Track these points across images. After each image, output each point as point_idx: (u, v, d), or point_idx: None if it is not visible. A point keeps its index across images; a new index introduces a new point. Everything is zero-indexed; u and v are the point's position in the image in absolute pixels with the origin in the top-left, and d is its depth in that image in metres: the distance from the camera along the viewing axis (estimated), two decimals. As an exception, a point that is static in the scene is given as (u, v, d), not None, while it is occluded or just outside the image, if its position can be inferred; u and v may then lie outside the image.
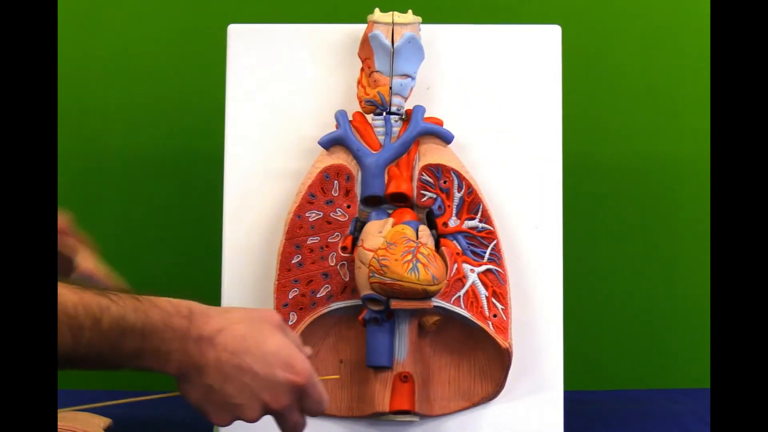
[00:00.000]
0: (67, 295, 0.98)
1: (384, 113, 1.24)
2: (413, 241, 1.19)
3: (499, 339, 1.22)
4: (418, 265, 1.16)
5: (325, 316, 1.22)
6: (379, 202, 1.24)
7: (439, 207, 1.23)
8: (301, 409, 1.06)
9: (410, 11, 1.24)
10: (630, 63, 1.65)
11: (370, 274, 1.18)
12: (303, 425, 1.08)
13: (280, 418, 1.06)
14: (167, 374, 1.05)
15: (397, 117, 1.24)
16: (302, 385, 1.04)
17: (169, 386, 1.10)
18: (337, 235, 1.23)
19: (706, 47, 1.62)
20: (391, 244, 1.18)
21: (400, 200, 1.23)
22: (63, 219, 1.21)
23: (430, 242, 1.22)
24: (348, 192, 1.23)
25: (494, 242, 1.23)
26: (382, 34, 1.23)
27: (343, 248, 1.23)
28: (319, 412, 1.07)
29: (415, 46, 1.24)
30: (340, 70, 1.27)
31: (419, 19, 1.24)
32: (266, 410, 1.05)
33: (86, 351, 1.00)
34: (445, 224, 1.23)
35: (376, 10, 1.24)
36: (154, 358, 1.03)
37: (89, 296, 1.00)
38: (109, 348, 1.01)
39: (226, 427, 1.05)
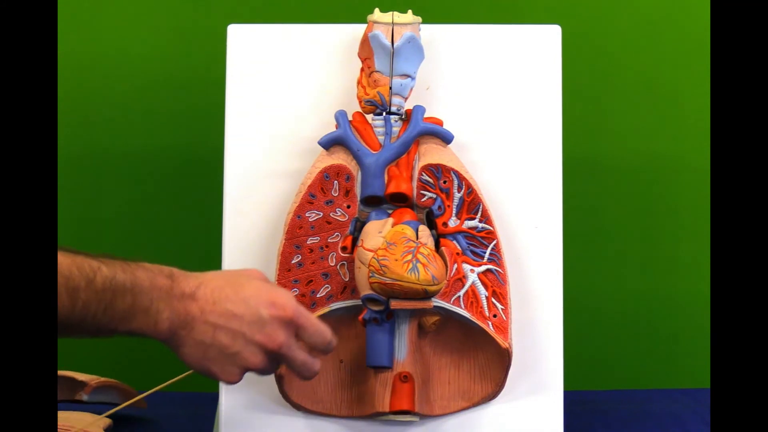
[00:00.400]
0: (61, 258, 1.00)
1: (384, 113, 1.24)
2: (413, 241, 1.19)
3: (499, 339, 1.22)
4: (418, 265, 1.16)
5: (325, 316, 1.22)
6: (379, 202, 1.24)
7: (439, 207, 1.23)
8: (308, 347, 1.09)
9: (410, 11, 1.24)
10: (630, 63, 1.65)
11: (370, 274, 1.18)
12: (313, 363, 1.10)
13: (286, 359, 1.08)
14: (160, 339, 1.07)
15: (397, 117, 1.24)
16: (290, 317, 1.07)
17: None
18: (337, 235, 1.23)
19: (706, 47, 1.62)
20: (391, 244, 1.18)
21: (400, 200, 1.23)
22: None
23: (430, 242, 1.22)
24: (348, 192, 1.23)
25: (494, 242, 1.23)
26: (382, 34, 1.23)
27: (343, 248, 1.23)
28: (326, 345, 1.10)
29: (415, 46, 1.24)
30: (340, 70, 1.27)
31: (419, 19, 1.24)
32: (267, 353, 1.07)
33: (82, 313, 1.02)
34: (445, 224, 1.23)
35: (376, 10, 1.24)
36: (144, 318, 1.05)
37: (81, 259, 1.03)
38: (103, 309, 1.03)
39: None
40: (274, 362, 1.08)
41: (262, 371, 1.09)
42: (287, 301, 1.08)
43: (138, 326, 1.05)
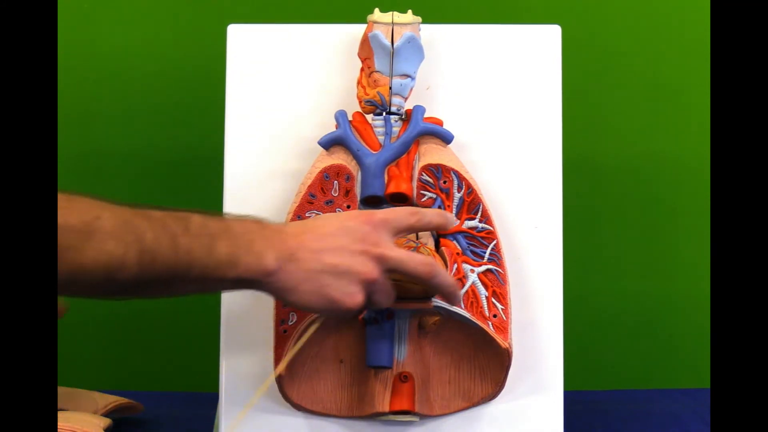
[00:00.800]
0: (152, 210, 1.02)
1: (384, 113, 1.24)
2: (413, 240, 1.19)
3: (499, 339, 1.22)
4: None
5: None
6: (379, 202, 1.24)
7: (439, 207, 1.23)
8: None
9: (410, 11, 1.24)
10: (630, 63, 1.65)
11: None
12: (417, 256, 1.10)
13: (391, 260, 1.07)
14: (268, 280, 1.05)
15: (396, 117, 1.24)
16: (376, 219, 1.09)
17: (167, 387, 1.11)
18: (337, 235, 1.23)
19: (707, 47, 1.62)
20: None
21: (400, 200, 1.23)
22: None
23: (430, 242, 1.22)
24: (348, 192, 1.23)
25: (494, 242, 1.23)
26: (382, 34, 1.23)
27: (343, 248, 1.23)
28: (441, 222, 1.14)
29: (414, 46, 1.24)
30: (340, 70, 1.27)
31: (419, 19, 1.24)
32: (373, 259, 1.07)
33: (186, 260, 1.01)
34: (445, 224, 1.23)
35: (376, 10, 1.24)
36: (249, 259, 1.04)
37: (169, 211, 1.04)
38: (207, 253, 1.02)
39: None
40: (383, 270, 1.07)
41: (378, 286, 1.07)
42: (364, 210, 1.12)
43: (245, 268, 1.04)
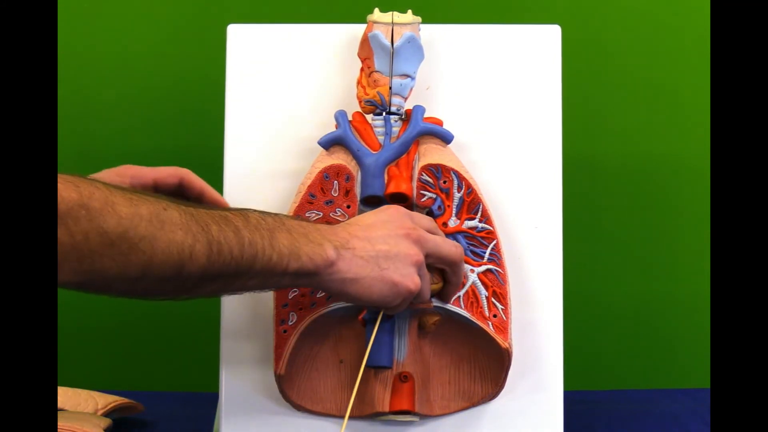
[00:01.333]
0: (208, 210, 1.03)
1: (384, 113, 1.24)
2: None
3: (499, 339, 1.22)
4: None
5: (325, 316, 1.22)
6: (379, 202, 1.24)
7: (439, 207, 1.23)
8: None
9: (410, 11, 1.24)
10: (630, 63, 1.65)
11: None
12: (451, 242, 1.15)
13: (430, 242, 1.12)
14: (330, 270, 1.07)
15: (396, 117, 1.24)
16: (405, 209, 1.15)
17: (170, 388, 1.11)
18: (337, 235, 1.23)
19: (707, 47, 1.62)
20: None
21: (400, 200, 1.23)
22: (184, 170, 1.24)
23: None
24: (348, 192, 1.23)
25: (494, 242, 1.23)
26: (382, 34, 1.23)
27: (343, 248, 1.23)
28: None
29: (414, 46, 1.24)
30: (340, 70, 1.27)
31: (419, 19, 1.24)
32: (416, 242, 1.11)
33: (251, 252, 1.03)
34: (445, 224, 1.23)
35: (376, 10, 1.24)
36: (310, 248, 1.06)
37: (227, 209, 1.06)
38: (268, 245, 1.04)
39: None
40: (425, 253, 1.11)
41: (424, 270, 1.11)
42: (394, 204, 1.16)
43: (307, 259, 1.05)
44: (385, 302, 1.10)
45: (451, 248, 1.15)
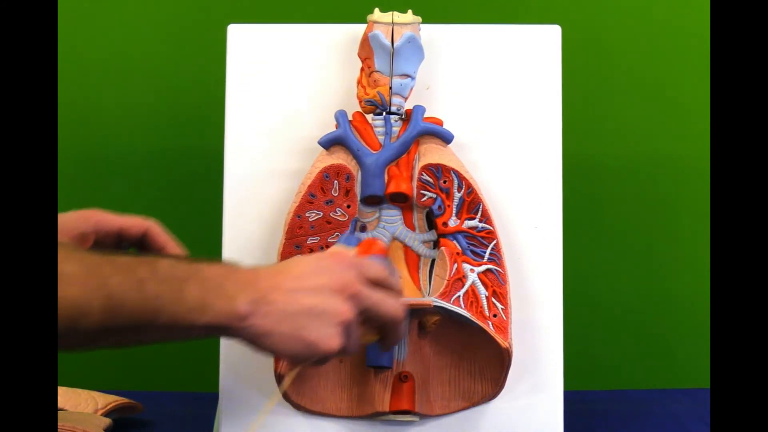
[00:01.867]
0: (118, 255, 0.98)
1: (384, 113, 1.24)
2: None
3: (499, 339, 1.22)
4: None
5: (325, 316, 1.22)
6: (379, 202, 1.24)
7: (439, 207, 1.23)
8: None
9: (410, 11, 1.24)
10: (630, 63, 1.65)
11: None
12: (396, 301, 1.04)
13: (366, 301, 1.01)
14: (241, 326, 0.98)
15: (396, 117, 1.24)
16: (351, 256, 1.04)
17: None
18: (337, 235, 1.23)
19: (707, 47, 1.62)
20: None
21: (400, 200, 1.23)
22: (150, 222, 1.18)
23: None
24: (348, 192, 1.23)
25: (494, 242, 1.23)
26: (382, 34, 1.23)
27: (343, 248, 1.23)
28: (388, 278, 1.04)
29: (414, 46, 1.24)
30: (340, 70, 1.27)
31: (419, 19, 1.24)
32: (350, 299, 1.00)
33: (155, 305, 0.96)
34: (445, 224, 1.23)
35: (376, 10, 1.24)
36: (221, 303, 0.98)
37: (136, 256, 1.00)
38: (176, 299, 0.97)
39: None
40: (358, 311, 1.01)
41: (353, 328, 1.01)
42: (341, 247, 1.07)
43: (216, 314, 0.98)
44: (300, 359, 1.01)
45: (391, 307, 1.03)
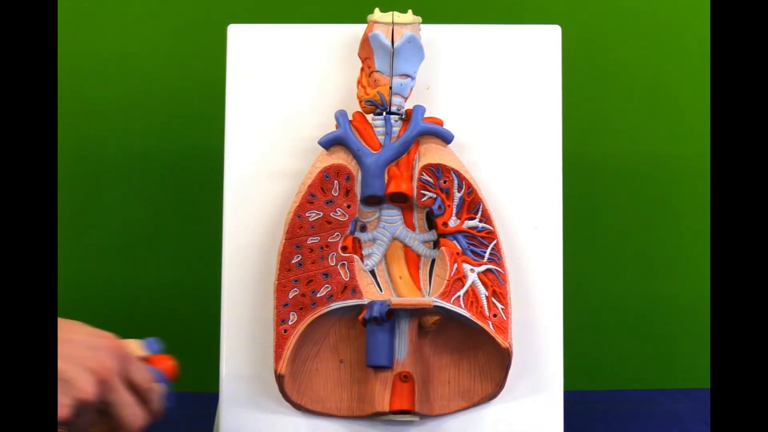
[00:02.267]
0: None
1: (384, 113, 1.24)
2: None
3: (499, 339, 1.22)
4: None
5: (325, 316, 1.22)
6: (379, 202, 1.24)
7: (439, 207, 1.23)
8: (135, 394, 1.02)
9: (410, 11, 1.24)
10: (630, 63, 1.65)
11: None
12: (139, 412, 1.03)
13: (114, 395, 1.00)
14: None
15: (397, 117, 1.24)
16: (119, 346, 1.01)
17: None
18: (337, 235, 1.23)
19: (707, 47, 1.62)
20: None
21: (400, 200, 1.23)
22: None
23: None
24: (348, 192, 1.23)
25: (494, 242, 1.23)
26: (382, 34, 1.23)
27: (344, 248, 1.23)
28: (147, 389, 1.03)
29: (415, 46, 1.24)
30: (340, 70, 1.27)
31: (419, 19, 1.24)
32: (98, 383, 0.99)
33: None
34: (445, 224, 1.23)
35: (376, 9, 1.24)
36: None
37: None
38: None
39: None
40: (101, 397, 1.00)
41: (86, 412, 0.99)
42: (113, 336, 1.03)
43: None
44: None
45: (132, 415, 1.02)
